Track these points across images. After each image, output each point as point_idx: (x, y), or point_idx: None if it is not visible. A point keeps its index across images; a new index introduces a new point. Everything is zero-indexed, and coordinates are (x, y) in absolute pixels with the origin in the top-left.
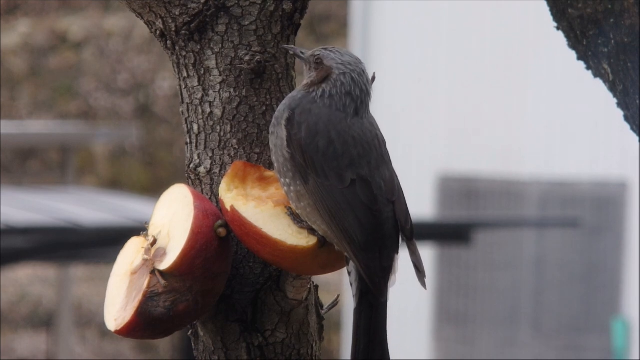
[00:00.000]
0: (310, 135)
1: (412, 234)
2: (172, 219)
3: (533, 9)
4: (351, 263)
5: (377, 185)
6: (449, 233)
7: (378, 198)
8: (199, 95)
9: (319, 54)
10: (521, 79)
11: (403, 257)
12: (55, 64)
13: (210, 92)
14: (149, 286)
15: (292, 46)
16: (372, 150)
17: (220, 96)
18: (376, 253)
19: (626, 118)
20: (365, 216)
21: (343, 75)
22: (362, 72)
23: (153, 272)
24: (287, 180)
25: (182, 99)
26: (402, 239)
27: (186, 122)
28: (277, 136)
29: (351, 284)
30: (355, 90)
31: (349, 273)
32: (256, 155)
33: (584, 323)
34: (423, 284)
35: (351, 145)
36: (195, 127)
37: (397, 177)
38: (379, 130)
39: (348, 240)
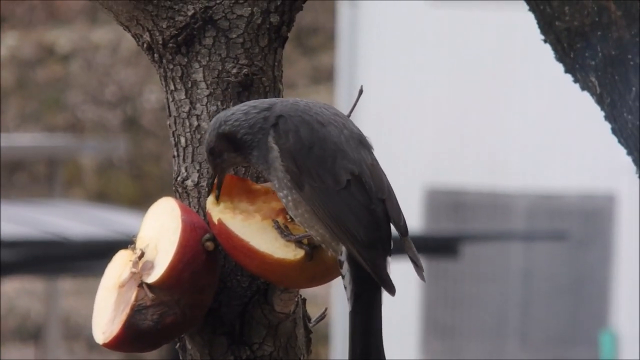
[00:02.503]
0: (299, 142)
1: (407, 231)
2: (159, 232)
3: (520, 21)
4: (345, 266)
5: (368, 185)
6: (437, 246)
7: (372, 197)
8: (186, 109)
9: (208, 151)
10: (508, 92)
11: (390, 267)
12: (43, 76)
13: (198, 105)
14: (136, 299)
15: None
16: (349, 141)
17: (207, 109)
18: (380, 250)
19: (614, 131)
20: (364, 215)
21: (219, 135)
22: (210, 132)
23: (141, 285)
24: (285, 192)
25: (170, 112)
26: (397, 236)
27: (173, 135)
28: (272, 158)
29: (345, 288)
30: (241, 130)
31: (343, 277)
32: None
33: (572, 335)
34: (422, 277)
35: (332, 142)
36: (183, 140)
37: (384, 173)
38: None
39: (351, 240)
